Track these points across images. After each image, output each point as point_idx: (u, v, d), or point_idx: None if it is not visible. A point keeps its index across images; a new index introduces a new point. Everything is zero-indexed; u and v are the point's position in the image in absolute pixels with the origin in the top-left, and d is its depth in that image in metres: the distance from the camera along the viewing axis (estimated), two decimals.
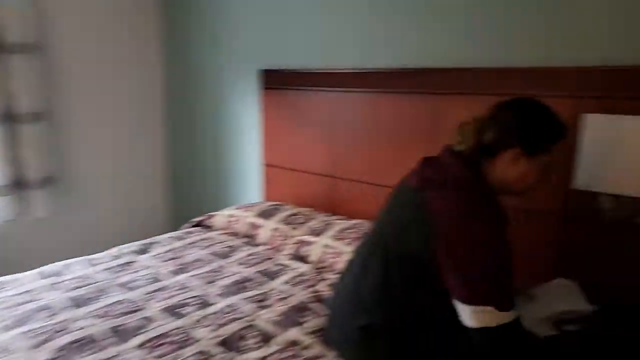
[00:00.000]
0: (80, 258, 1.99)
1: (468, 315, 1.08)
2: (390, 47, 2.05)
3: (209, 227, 2.39)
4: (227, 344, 1.42)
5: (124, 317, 1.54)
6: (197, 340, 1.43)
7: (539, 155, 1.19)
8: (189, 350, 1.38)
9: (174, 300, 1.65)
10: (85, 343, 1.39)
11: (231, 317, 1.55)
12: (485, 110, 1.27)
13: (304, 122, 2.40)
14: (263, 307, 1.62)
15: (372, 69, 2.09)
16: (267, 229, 2.17)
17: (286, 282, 1.80)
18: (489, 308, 1.05)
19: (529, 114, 1.20)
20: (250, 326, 1.50)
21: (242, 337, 1.44)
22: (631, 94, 1.45)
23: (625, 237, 1.51)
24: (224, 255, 2.03)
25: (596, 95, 1.51)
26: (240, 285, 1.77)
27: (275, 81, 2.48)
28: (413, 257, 1.16)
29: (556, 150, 1.21)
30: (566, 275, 1.56)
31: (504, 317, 1.05)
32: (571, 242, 1.62)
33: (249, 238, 2.22)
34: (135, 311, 1.58)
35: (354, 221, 2.10)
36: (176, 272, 1.88)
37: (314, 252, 1.96)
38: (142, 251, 2.09)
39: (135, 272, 1.88)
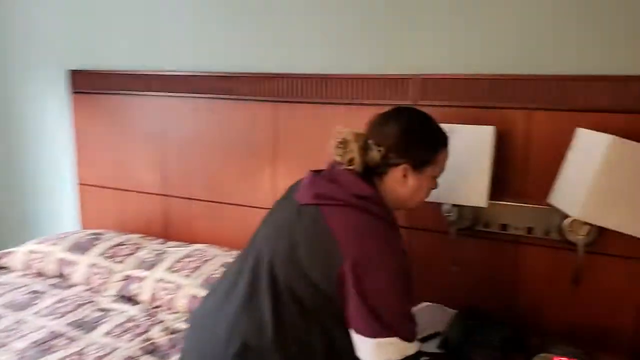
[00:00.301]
0: None
1: (370, 349, 0.97)
2: (228, 50, 1.84)
3: (3, 269, 1.89)
4: None
5: None
6: None
7: (427, 167, 1.13)
8: None
9: None
10: None
11: None
12: (365, 124, 1.17)
13: (129, 132, 2.05)
14: None
15: (208, 73, 1.85)
16: (83, 265, 1.77)
17: (108, 333, 1.45)
18: (394, 340, 0.97)
19: (411, 128, 1.13)
20: None
21: None
22: (469, 104, 1.47)
23: (469, 244, 1.52)
24: (24, 306, 1.60)
25: (438, 104, 1.49)
26: (44, 346, 1.38)
27: (90, 84, 2.08)
28: (310, 284, 1.01)
29: (441, 159, 1.16)
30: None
31: (408, 349, 0.98)
32: (420, 253, 1.58)
33: (60, 279, 1.79)
34: None
35: (193, 247, 1.84)
36: None
37: (146, 289, 1.64)
38: None
39: None
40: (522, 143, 1.43)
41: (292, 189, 1.19)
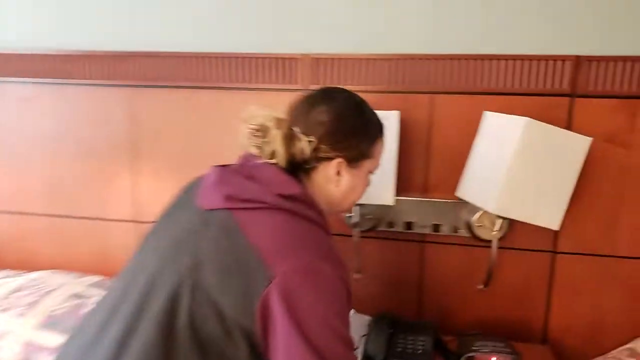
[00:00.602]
0: None
1: None
2: (69, 23, 1.44)
3: None
4: None
5: None
6: None
7: (363, 161, 0.94)
8: None
9: None
10: None
11: None
12: (288, 108, 0.94)
13: None
14: None
15: (41, 51, 1.44)
16: None
17: None
18: None
19: (345, 114, 0.92)
20: None
21: None
22: (366, 88, 1.29)
23: (372, 247, 1.35)
24: None
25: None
26: None
27: None
28: (219, 316, 0.76)
29: (378, 151, 0.97)
30: None
31: None
32: None
33: None
34: None
35: (29, 275, 1.43)
36: None
37: None
38: None
39: None
40: (425, 130, 1.28)
41: (190, 191, 0.94)
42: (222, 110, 1.37)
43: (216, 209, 0.84)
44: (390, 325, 1.19)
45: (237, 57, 1.34)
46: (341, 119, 0.91)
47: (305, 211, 0.84)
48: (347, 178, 0.92)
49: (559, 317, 1.30)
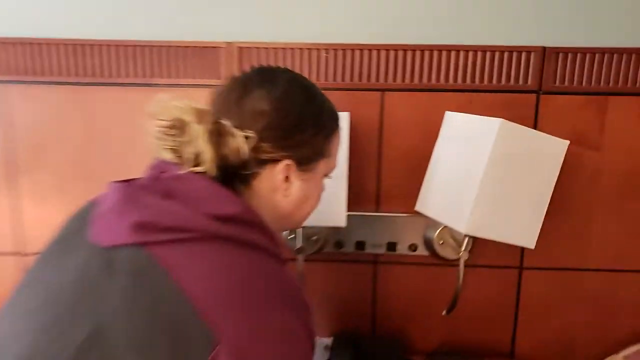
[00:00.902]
0: None
1: None
2: None
3: None
4: None
5: None
6: None
7: (318, 162, 0.74)
8: None
9: None
10: None
11: None
12: (212, 95, 0.73)
13: None
14: None
15: None
16: None
17: None
18: None
19: (291, 101, 0.70)
20: None
21: None
22: None
23: (319, 272, 1.15)
24: None
25: None
26: None
27: None
28: None
29: (335, 147, 0.77)
30: None
31: None
32: None
33: None
34: None
35: None
36: None
37: None
38: None
39: None
40: (375, 134, 1.10)
41: (80, 221, 0.66)
42: (125, 112, 1.10)
43: (122, 245, 0.59)
44: (353, 347, 1.03)
45: (144, 46, 1.08)
46: (287, 108, 0.69)
47: (250, 236, 0.62)
48: (297, 185, 0.72)
49: (527, 336, 1.17)
